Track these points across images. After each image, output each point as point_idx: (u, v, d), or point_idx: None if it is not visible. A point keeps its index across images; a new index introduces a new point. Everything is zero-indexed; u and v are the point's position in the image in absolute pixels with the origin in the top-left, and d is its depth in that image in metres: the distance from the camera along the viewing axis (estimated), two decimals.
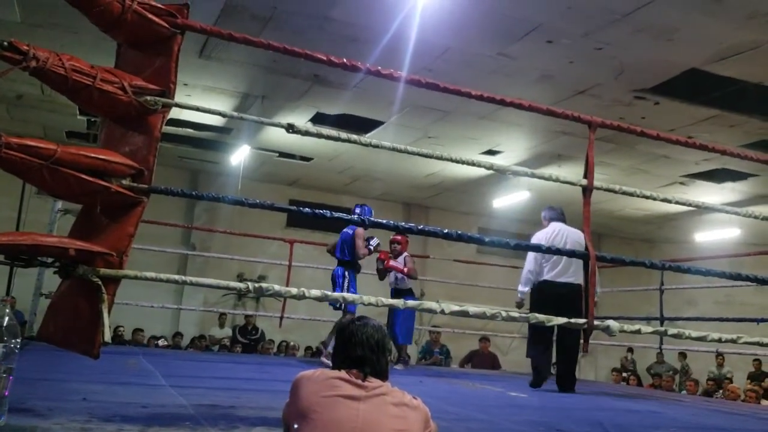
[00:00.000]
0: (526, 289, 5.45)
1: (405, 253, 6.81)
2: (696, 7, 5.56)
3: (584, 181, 2.85)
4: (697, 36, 6.06)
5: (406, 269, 6.68)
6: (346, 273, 6.17)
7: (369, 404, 1.85)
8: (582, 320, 2.65)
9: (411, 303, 2.69)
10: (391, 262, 6.70)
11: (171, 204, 11.61)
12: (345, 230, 6.36)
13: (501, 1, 5.77)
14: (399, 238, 6.83)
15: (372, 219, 2.90)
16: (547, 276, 5.30)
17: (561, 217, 5.58)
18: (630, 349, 12.31)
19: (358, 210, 6.29)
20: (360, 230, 6.22)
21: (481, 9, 5.88)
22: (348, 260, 6.22)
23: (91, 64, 2.25)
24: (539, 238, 5.39)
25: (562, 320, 2.71)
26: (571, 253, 2.88)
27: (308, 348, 11.52)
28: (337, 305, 5.88)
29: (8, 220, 6.71)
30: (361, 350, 1.97)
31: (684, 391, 9.88)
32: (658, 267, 3.35)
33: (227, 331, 11.62)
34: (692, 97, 7.45)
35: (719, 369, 10.98)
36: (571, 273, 5.22)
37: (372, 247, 6.27)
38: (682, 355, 11.76)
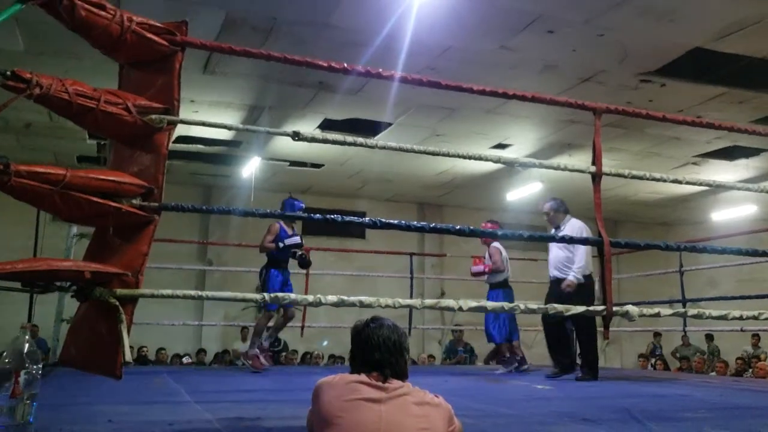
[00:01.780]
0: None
1: (493, 244, 6.61)
2: None
3: (593, 168, 2.84)
4: (698, 14, 6.01)
5: (486, 267, 6.52)
6: (263, 270, 5.99)
7: (391, 405, 1.85)
8: (600, 307, 2.64)
9: (429, 302, 2.68)
10: (473, 268, 6.62)
11: (186, 221, 11.72)
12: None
13: None
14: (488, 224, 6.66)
15: (382, 220, 2.89)
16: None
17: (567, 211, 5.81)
18: (657, 334, 12.17)
19: (281, 204, 6.05)
20: (273, 225, 5.92)
21: (478, 4, 5.86)
22: (267, 257, 5.99)
23: (94, 87, 2.27)
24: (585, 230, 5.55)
25: (580, 309, 2.70)
26: (584, 241, 2.86)
27: (331, 356, 11.54)
28: (261, 305, 5.83)
29: (25, 248, 6.80)
30: (378, 353, 1.96)
31: (713, 373, 9.79)
32: (674, 248, 3.33)
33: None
34: (698, 76, 7.39)
35: (755, 349, 10.85)
36: (554, 268, 5.57)
37: (284, 244, 5.86)
38: (709, 336, 11.65)
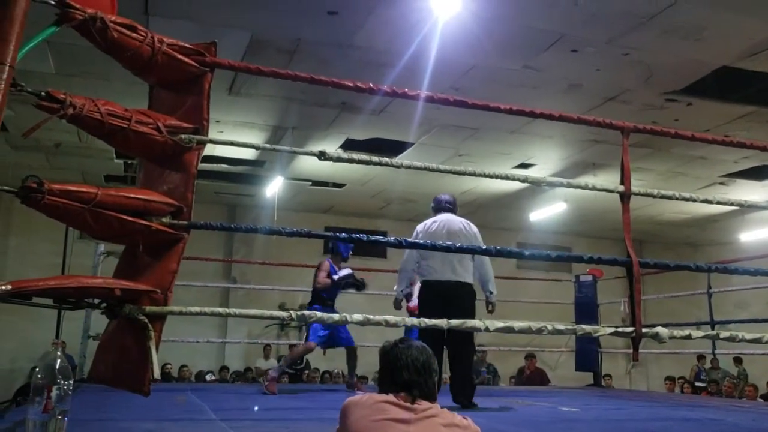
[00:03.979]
0: (405, 290, 5.08)
1: None
2: (723, 3, 5.48)
3: (621, 188, 2.81)
4: (726, 33, 5.96)
5: None
6: (308, 308, 5.96)
7: (419, 427, 1.83)
8: (629, 328, 2.60)
9: (455, 322, 2.66)
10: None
11: (211, 239, 11.81)
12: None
13: (521, 15, 5.77)
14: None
15: (408, 240, 2.88)
16: (430, 276, 4.80)
17: (446, 207, 5.05)
18: (701, 357, 11.55)
19: (332, 245, 6.22)
20: (324, 263, 6.04)
21: (502, 24, 5.88)
22: (313, 293, 6.02)
23: (125, 107, 2.31)
24: (416, 229, 5.00)
25: (609, 330, 2.66)
26: (614, 261, 2.82)
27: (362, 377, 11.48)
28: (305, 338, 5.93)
29: (53, 265, 6.88)
30: (407, 374, 1.94)
31: (744, 398, 9.56)
32: (704, 269, 3.27)
33: (272, 363, 11.66)
34: (726, 95, 7.32)
35: None
36: (456, 271, 4.71)
37: (339, 276, 5.92)
38: (738, 360, 11.39)
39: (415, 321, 2.78)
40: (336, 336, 5.87)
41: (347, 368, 6.34)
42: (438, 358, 4.41)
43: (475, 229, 4.93)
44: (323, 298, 5.96)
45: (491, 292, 4.87)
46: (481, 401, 5.16)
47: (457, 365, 4.74)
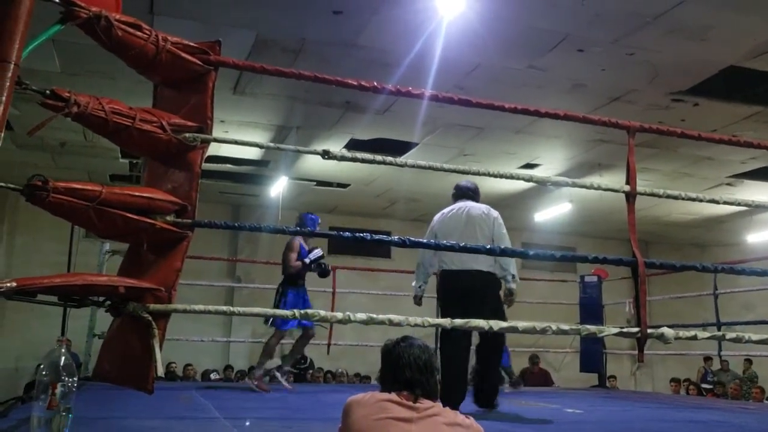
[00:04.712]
0: (418, 284, 4.82)
1: None
2: (729, 3, 5.46)
3: (627, 188, 2.79)
4: (732, 33, 5.94)
5: None
6: (280, 288, 5.91)
7: (421, 426, 1.83)
8: (635, 329, 2.59)
9: (458, 321, 2.65)
10: None
11: (215, 239, 11.84)
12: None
13: (526, 15, 5.76)
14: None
15: (411, 239, 2.87)
16: (449, 266, 4.55)
17: (467, 194, 4.86)
18: (707, 359, 11.49)
19: (297, 220, 5.96)
20: (294, 242, 5.83)
21: (506, 24, 5.87)
22: (284, 276, 5.93)
23: (130, 106, 2.31)
24: (434, 218, 4.83)
25: (614, 330, 2.64)
26: (619, 261, 2.81)
27: (357, 374, 11.48)
28: (268, 323, 5.78)
29: (59, 264, 6.91)
30: (409, 372, 1.94)
31: (750, 400, 9.52)
32: (710, 270, 3.25)
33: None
34: (732, 95, 7.29)
35: None
36: (477, 259, 4.38)
37: (310, 260, 5.80)
38: (748, 361, 11.34)
39: (418, 320, 2.77)
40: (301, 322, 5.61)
41: (292, 349, 6.18)
42: (463, 357, 4.43)
43: (494, 214, 4.66)
44: (295, 277, 5.88)
45: (513, 276, 4.47)
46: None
47: (489, 370, 4.55)
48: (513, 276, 4.47)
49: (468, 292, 4.38)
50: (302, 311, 2.48)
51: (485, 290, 4.41)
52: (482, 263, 4.40)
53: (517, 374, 10.50)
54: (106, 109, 2.20)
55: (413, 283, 4.91)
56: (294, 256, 5.82)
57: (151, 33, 2.34)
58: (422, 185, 11.17)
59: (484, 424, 1.99)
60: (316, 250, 5.87)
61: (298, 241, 5.87)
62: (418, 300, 4.89)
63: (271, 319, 5.64)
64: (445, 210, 4.80)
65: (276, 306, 5.72)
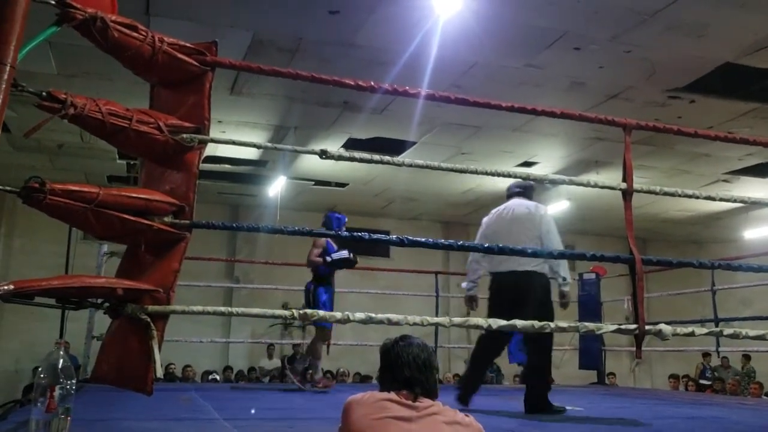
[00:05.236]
0: (469, 284, 4.65)
1: None
2: (725, 0, 5.47)
3: (624, 185, 2.80)
4: (729, 30, 5.95)
5: None
6: (311, 287, 5.82)
7: (421, 424, 1.83)
8: (633, 326, 2.59)
9: (457, 320, 2.65)
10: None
11: (213, 240, 11.83)
12: None
13: (523, 13, 5.76)
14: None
15: (409, 237, 2.87)
16: (494, 268, 4.45)
17: (516, 192, 4.69)
18: (705, 354, 11.52)
19: (324, 219, 5.92)
20: (320, 240, 5.77)
21: (503, 22, 5.88)
22: (313, 273, 5.84)
23: (126, 107, 2.30)
24: (483, 221, 4.71)
25: (612, 327, 2.65)
26: (616, 258, 2.81)
27: (357, 374, 11.49)
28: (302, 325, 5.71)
29: (57, 266, 6.90)
30: (408, 371, 1.94)
31: (748, 395, 9.54)
32: (707, 266, 3.26)
33: (276, 362, 11.65)
34: (729, 91, 7.30)
35: None
36: (521, 260, 4.24)
37: (332, 259, 5.72)
38: (746, 357, 11.37)
39: (417, 319, 2.77)
40: None
41: (307, 350, 6.00)
42: (487, 350, 4.46)
43: (542, 211, 4.52)
44: (324, 275, 5.81)
45: (564, 279, 4.36)
46: (484, 400, 5.15)
47: (527, 372, 4.51)
48: (564, 278, 4.38)
49: (510, 293, 4.30)
50: (300, 311, 2.48)
51: (527, 291, 4.27)
52: (526, 263, 4.27)
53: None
54: (102, 111, 2.20)
55: (463, 284, 4.85)
56: (316, 251, 5.74)
57: (147, 34, 2.33)
58: (420, 184, 11.18)
59: (483, 421, 1.99)
60: (342, 251, 5.78)
61: (326, 240, 5.80)
62: (469, 301, 4.69)
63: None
64: (493, 210, 4.72)
65: (312, 306, 5.64)
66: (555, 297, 4.54)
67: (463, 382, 4.65)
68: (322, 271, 5.79)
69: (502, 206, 4.67)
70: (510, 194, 4.73)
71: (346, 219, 5.95)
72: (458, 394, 4.35)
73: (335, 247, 5.81)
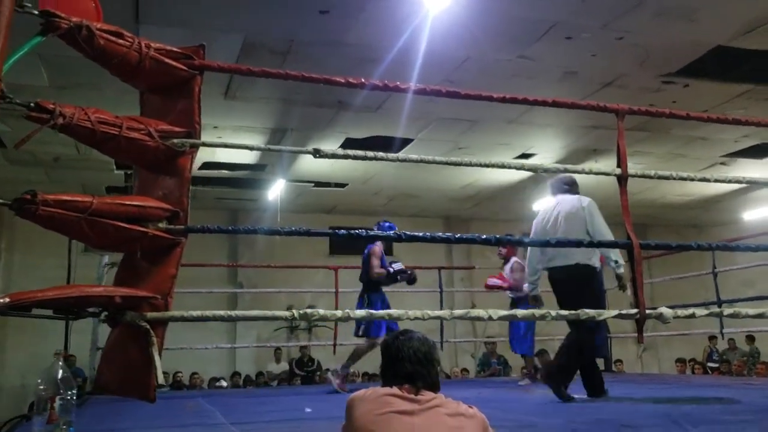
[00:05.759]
0: (530, 285, 4.74)
1: (513, 259, 6.54)
2: None
3: (618, 171, 2.80)
4: (718, 12, 5.93)
5: (506, 284, 6.46)
6: (366, 296, 5.84)
7: (424, 417, 1.83)
8: (633, 310, 2.59)
9: (458, 312, 2.65)
10: (490, 281, 6.57)
11: (215, 245, 11.82)
12: (365, 251, 6.02)
13: (513, 5, 5.75)
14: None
15: (407, 233, 2.88)
16: (550, 263, 4.52)
17: (563, 188, 4.70)
18: (712, 337, 11.43)
19: (375, 228, 5.92)
20: (375, 248, 5.87)
21: (493, 15, 5.87)
22: (366, 282, 5.90)
23: (116, 114, 2.30)
24: (533, 223, 4.75)
25: (613, 313, 2.65)
26: (614, 244, 2.81)
27: (365, 373, 11.49)
28: (359, 332, 5.74)
29: (58, 279, 6.87)
30: (410, 365, 1.94)
31: (754, 376, 9.54)
32: (705, 248, 3.26)
33: (284, 366, 11.67)
34: (722, 74, 7.29)
35: None
36: (569, 254, 4.36)
37: (392, 270, 5.82)
38: (750, 338, 11.36)
39: (418, 314, 2.77)
40: (390, 327, 5.50)
41: (353, 353, 6.01)
42: (579, 341, 4.44)
43: (585, 203, 4.48)
44: (376, 284, 5.85)
45: (616, 262, 4.36)
46: (490, 392, 5.16)
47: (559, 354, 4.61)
48: (616, 261, 4.39)
49: (564, 286, 4.44)
50: (301, 311, 2.48)
51: (579, 283, 4.37)
52: (577, 257, 4.36)
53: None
54: (92, 119, 2.20)
55: (525, 287, 5.05)
56: (377, 262, 5.82)
57: (133, 40, 2.33)
58: (419, 181, 11.18)
59: (490, 412, 1.99)
60: (397, 263, 5.93)
61: (380, 247, 5.90)
62: (534, 300, 4.77)
63: (362, 328, 5.69)
64: (542, 209, 4.78)
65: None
66: (608, 285, 4.75)
67: (556, 375, 4.47)
68: (374, 279, 5.84)
69: (549, 205, 4.70)
70: (555, 190, 4.76)
71: (396, 228, 5.96)
72: (554, 389, 4.31)
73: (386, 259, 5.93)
